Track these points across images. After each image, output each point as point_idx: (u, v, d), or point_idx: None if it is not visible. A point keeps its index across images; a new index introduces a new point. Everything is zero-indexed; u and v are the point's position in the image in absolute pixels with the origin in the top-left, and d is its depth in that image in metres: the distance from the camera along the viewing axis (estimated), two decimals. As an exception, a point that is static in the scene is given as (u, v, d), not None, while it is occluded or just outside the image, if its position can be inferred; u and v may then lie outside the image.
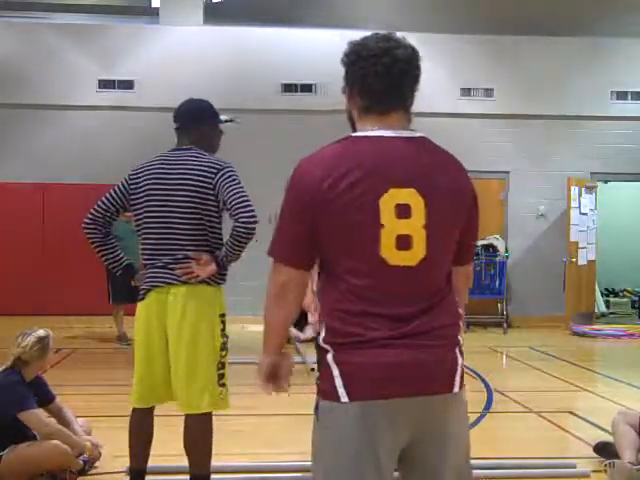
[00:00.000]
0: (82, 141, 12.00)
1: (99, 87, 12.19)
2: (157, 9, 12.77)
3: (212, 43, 12.31)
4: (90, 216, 3.94)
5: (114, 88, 12.18)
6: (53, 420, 4.70)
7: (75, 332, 10.65)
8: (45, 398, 4.71)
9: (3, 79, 11.95)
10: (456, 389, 2.33)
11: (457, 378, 2.33)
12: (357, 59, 2.31)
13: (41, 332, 4.66)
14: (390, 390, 2.20)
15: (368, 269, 2.23)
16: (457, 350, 2.34)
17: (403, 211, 2.22)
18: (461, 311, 2.41)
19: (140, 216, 3.92)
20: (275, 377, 2.42)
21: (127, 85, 12.19)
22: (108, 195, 3.99)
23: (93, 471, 4.69)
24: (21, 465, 4.44)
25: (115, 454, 4.83)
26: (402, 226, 2.22)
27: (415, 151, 2.31)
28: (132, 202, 3.94)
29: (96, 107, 12.11)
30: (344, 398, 2.21)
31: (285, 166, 12.01)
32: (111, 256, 4.00)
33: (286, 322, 2.38)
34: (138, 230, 3.94)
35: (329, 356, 2.26)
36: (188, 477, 3.93)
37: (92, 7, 13.84)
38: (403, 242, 2.22)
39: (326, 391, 2.26)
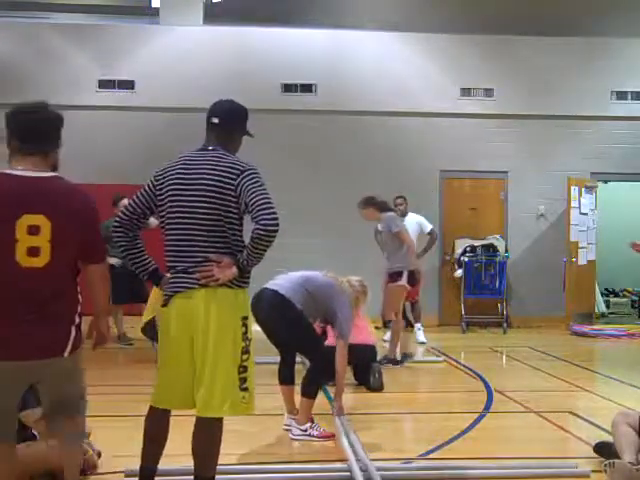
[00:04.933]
0: (82, 141, 11.98)
1: (99, 87, 12.20)
2: (157, 9, 12.78)
3: (212, 43, 12.31)
4: (117, 219, 3.89)
5: (114, 88, 12.19)
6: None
7: (75, 332, 10.62)
8: (45, 398, 4.69)
9: (3, 79, 11.94)
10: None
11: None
12: (17, 113, 3.47)
13: None
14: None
15: (6, 270, 3.31)
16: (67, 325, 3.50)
17: (34, 230, 3.31)
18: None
19: (163, 218, 3.86)
20: None
21: (127, 85, 12.19)
22: (135, 197, 3.92)
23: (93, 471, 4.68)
24: (21, 465, 4.43)
25: (115, 454, 4.83)
26: (33, 240, 3.31)
27: (44, 185, 3.39)
28: (157, 203, 3.88)
29: (96, 107, 12.11)
30: None
31: (284, 166, 11.97)
32: (138, 260, 3.93)
33: None
34: (163, 232, 3.90)
35: None
36: (192, 478, 3.92)
37: (92, 7, 13.85)
38: (33, 251, 3.32)
39: None
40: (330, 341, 6.51)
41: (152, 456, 3.92)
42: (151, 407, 3.94)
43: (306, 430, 5.49)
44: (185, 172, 3.83)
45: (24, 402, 4.48)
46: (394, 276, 8.48)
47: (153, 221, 4.07)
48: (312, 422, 5.55)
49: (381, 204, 8.50)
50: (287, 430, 5.66)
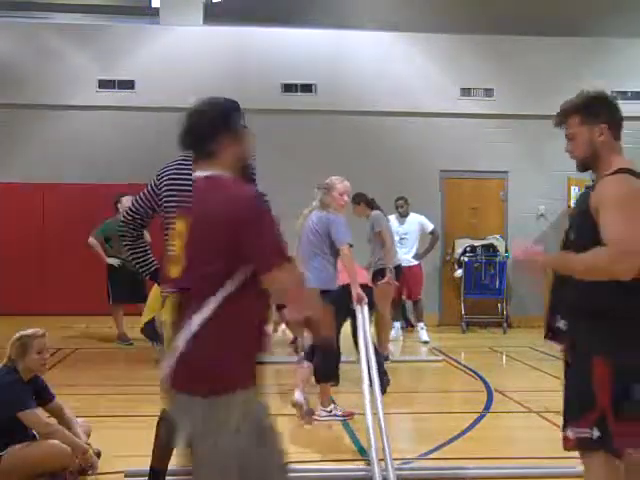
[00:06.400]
0: (82, 141, 11.99)
1: (99, 87, 12.19)
2: (157, 9, 12.78)
3: (212, 43, 12.31)
4: (122, 219, 3.94)
5: (114, 88, 12.19)
6: (53, 420, 4.70)
7: (75, 332, 10.64)
8: (44, 397, 4.70)
9: (3, 79, 11.95)
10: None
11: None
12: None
13: (28, 331, 4.63)
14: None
15: (167, 284, 2.89)
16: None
17: (178, 236, 2.82)
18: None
19: (163, 218, 3.90)
20: None
21: (127, 85, 12.19)
22: (137, 197, 3.98)
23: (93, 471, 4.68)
24: (21, 465, 4.43)
25: (115, 454, 4.83)
26: (175, 247, 2.84)
27: (194, 187, 2.89)
28: (158, 203, 3.92)
29: (96, 107, 12.11)
30: None
31: (285, 166, 11.91)
32: (141, 259, 3.98)
33: None
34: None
35: None
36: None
37: (92, 7, 13.84)
38: (173, 260, 2.83)
39: None
40: (342, 278, 6.38)
41: (160, 457, 3.93)
42: (163, 409, 3.95)
43: (331, 411, 6.20)
44: (180, 171, 3.87)
45: (23, 402, 4.48)
46: (377, 274, 8.53)
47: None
48: (334, 403, 6.23)
49: (371, 202, 8.80)
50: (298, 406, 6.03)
